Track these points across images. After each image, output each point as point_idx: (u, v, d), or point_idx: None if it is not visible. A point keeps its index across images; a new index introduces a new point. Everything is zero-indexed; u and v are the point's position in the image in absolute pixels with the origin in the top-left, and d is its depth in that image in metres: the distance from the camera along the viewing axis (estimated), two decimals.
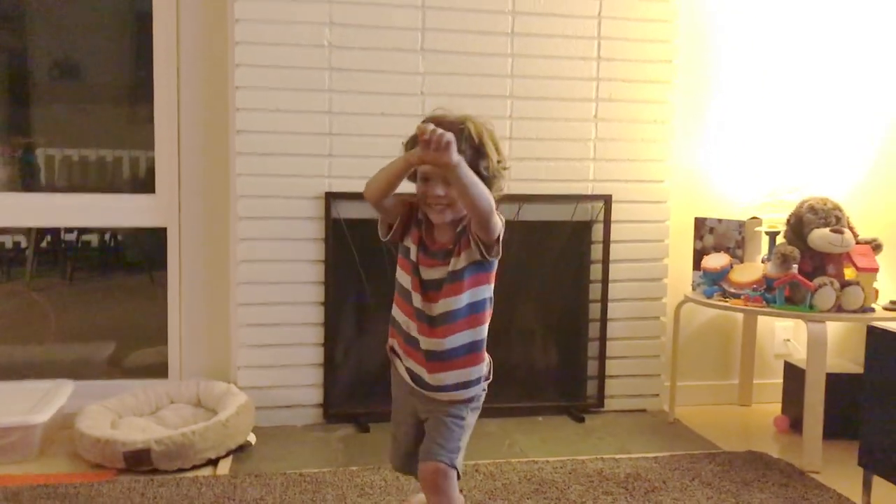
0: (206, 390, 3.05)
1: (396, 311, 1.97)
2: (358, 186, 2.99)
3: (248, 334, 3.07)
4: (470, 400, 1.96)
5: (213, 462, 2.69)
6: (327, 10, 3.02)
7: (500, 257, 1.87)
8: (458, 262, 1.85)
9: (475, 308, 1.89)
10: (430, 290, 1.88)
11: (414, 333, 1.91)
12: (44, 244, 5.40)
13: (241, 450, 2.81)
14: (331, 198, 3.05)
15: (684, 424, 3.23)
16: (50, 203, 3.54)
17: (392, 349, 2.04)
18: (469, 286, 1.86)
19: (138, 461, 2.58)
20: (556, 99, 3.20)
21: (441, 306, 1.86)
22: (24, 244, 5.07)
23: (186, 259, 3.25)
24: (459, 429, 1.93)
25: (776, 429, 3.23)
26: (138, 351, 3.64)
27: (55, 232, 5.34)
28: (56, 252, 5.56)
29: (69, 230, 5.53)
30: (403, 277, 1.94)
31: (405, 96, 3.08)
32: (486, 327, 1.93)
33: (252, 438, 2.87)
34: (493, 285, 1.92)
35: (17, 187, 5.57)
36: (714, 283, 3.11)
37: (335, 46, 3.03)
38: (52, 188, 5.92)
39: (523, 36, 3.16)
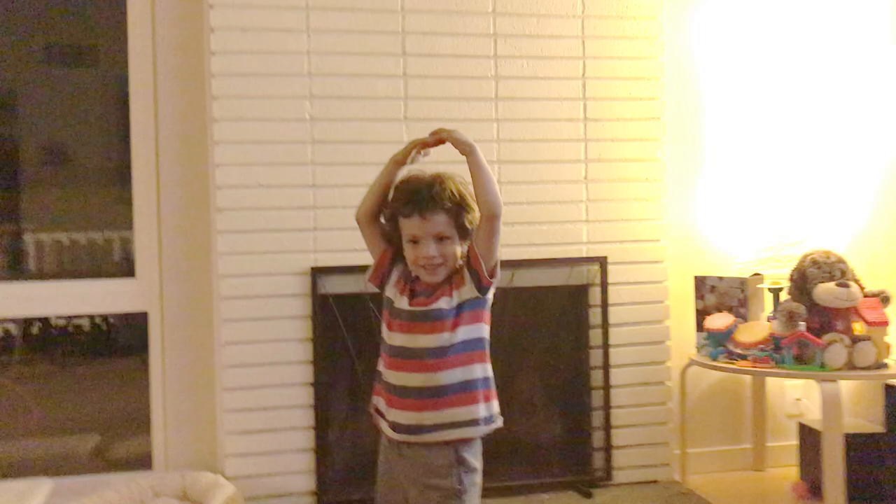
0: (193, 482, 2.89)
1: (383, 367, 1.89)
2: (345, 260, 2.96)
3: (234, 420, 2.93)
4: (459, 454, 1.81)
5: None
6: (307, 84, 2.97)
7: (496, 283, 1.84)
8: (451, 301, 1.81)
9: (468, 346, 1.82)
10: (417, 323, 1.82)
11: (401, 378, 1.82)
12: (34, 330, 5.28)
13: None
14: (317, 273, 2.95)
15: (699, 495, 3.07)
16: (31, 292, 3.43)
17: (376, 409, 1.91)
18: (462, 323, 1.82)
19: None
20: (544, 162, 3.14)
21: (430, 341, 1.79)
22: (13, 332, 4.96)
23: (169, 343, 3.13)
24: None
25: (795, 496, 3.07)
26: (123, 441, 3.49)
27: (45, 318, 5.23)
28: (46, 338, 5.45)
29: (59, 315, 5.42)
30: (387, 332, 1.88)
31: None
32: (481, 367, 1.84)
33: None
34: (488, 326, 1.87)
35: (4, 274, 5.49)
36: (719, 344, 3.00)
37: (316, 119, 2.97)
38: (40, 274, 5.84)
39: (508, 100, 3.11)
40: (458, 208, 1.82)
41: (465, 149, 1.81)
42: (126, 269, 3.48)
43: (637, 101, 3.21)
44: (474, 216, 1.85)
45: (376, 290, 1.92)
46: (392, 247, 1.89)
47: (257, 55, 2.93)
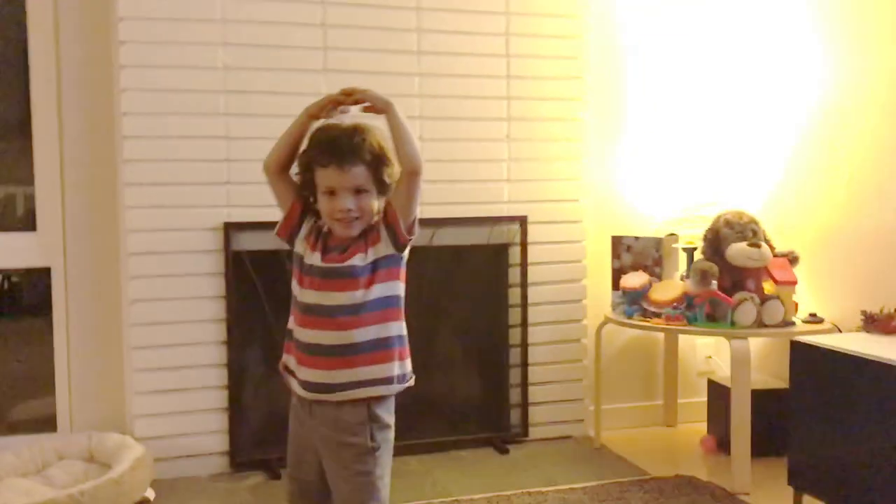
0: (99, 443, 2.79)
1: (293, 324, 1.81)
2: (259, 215, 2.87)
3: (143, 380, 2.83)
4: (372, 411, 1.77)
5: None
6: (220, 30, 2.84)
7: (413, 239, 1.79)
8: (366, 258, 1.75)
9: (383, 304, 1.76)
10: (329, 280, 1.75)
11: (312, 336, 1.75)
12: None
13: None
14: (230, 228, 2.86)
15: (611, 450, 3.14)
16: None
17: (286, 367, 1.85)
18: (377, 281, 1.76)
19: None
20: (467, 119, 3.10)
21: (342, 298, 1.73)
22: None
23: (74, 301, 3.00)
24: (370, 483, 1.75)
25: (703, 450, 3.17)
26: (24, 402, 3.34)
27: None
28: None
29: None
30: (298, 289, 1.80)
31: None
32: (396, 325, 1.79)
33: (151, 494, 2.63)
34: (403, 284, 1.82)
35: None
36: (634, 303, 3.04)
37: (230, 68, 2.85)
38: None
39: (430, 54, 3.04)
40: (377, 161, 1.75)
41: (382, 106, 1.76)
42: (29, 224, 3.30)
43: (559, 59, 3.19)
44: (394, 170, 1.78)
45: (285, 244, 1.85)
46: (301, 199, 1.82)
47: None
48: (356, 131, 1.75)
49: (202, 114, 2.84)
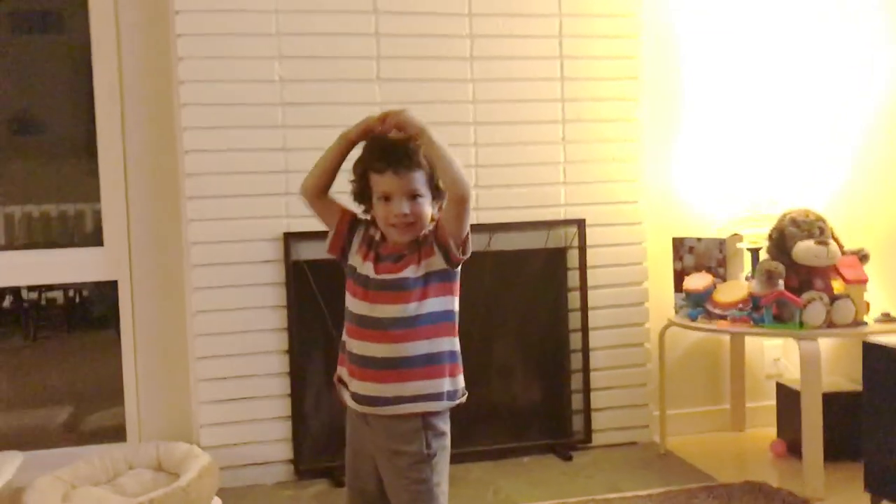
0: (167, 453, 2.84)
1: (346, 336, 1.81)
2: (318, 225, 2.86)
3: (208, 389, 2.88)
4: (426, 420, 1.75)
5: None
6: (276, 43, 2.88)
7: (466, 258, 1.76)
8: (418, 270, 1.74)
9: (435, 318, 1.75)
10: (382, 292, 1.75)
11: (364, 348, 1.75)
12: (6, 304, 5.19)
13: None
14: (290, 238, 2.89)
15: (677, 455, 3.07)
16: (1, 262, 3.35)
17: (340, 379, 1.86)
18: (429, 295, 1.74)
19: None
20: (521, 123, 3.08)
21: (395, 311, 1.73)
22: None
23: (140, 312, 3.07)
24: (428, 491, 1.74)
25: (773, 454, 3.08)
26: (95, 413, 3.43)
27: (16, 291, 5.14)
28: (18, 312, 5.36)
29: (32, 288, 5.34)
30: (351, 300, 1.80)
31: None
32: (448, 340, 1.77)
33: (217, 502, 2.67)
34: (457, 298, 1.80)
35: None
36: (697, 305, 2.98)
37: (286, 80, 2.89)
38: (11, 245, 5.73)
39: (483, 59, 3.04)
40: (432, 167, 1.74)
41: (414, 131, 1.71)
42: (97, 240, 3.40)
43: (614, 59, 3.15)
44: None
45: (338, 260, 1.85)
46: (348, 215, 1.82)
47: (224, 13, 2.84)
48: (411, 138, 1.75)
49: (260, 126, 2.88)
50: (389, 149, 1.72)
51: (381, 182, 1.73)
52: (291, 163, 2.90)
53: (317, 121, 2.89)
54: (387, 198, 1.72)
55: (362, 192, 1.78)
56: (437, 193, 1.76)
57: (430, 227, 1.76)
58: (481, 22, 3.03)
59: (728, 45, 3.35)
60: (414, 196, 1.72)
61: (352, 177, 1.79)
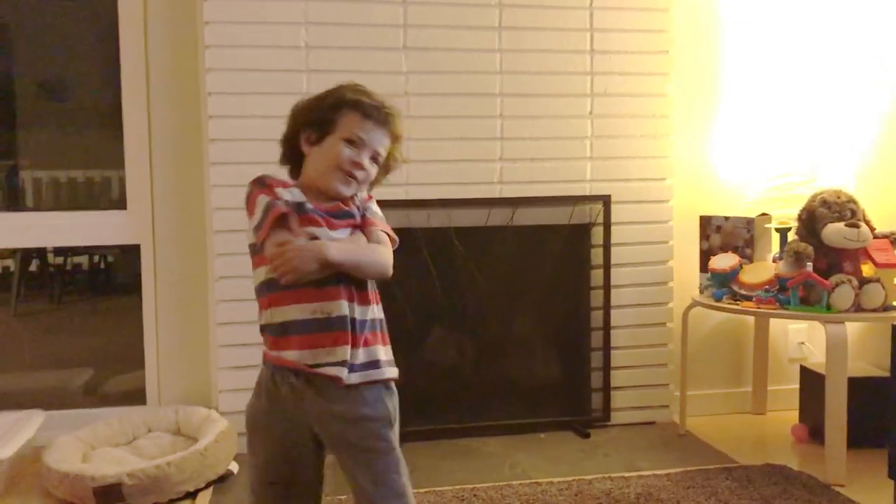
0: (186, 417, 2.87)
1: (291, 311, 1.58)
2: None
3: (228, 355, 2.88)
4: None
5: (192, 495, 2.50)
6: (302, 8, 2.85)
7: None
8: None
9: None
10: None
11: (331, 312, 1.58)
12: (32, 268, 5.25)
13: (222, 480, 2.62)
14: None
15: (696, 436, 3.04)
16: (25, 222, 3.37)
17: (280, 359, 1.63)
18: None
19: (109, 497, 2.39)
20: (549, 95, 3.03)
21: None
22: (12, 268, 4.92)
23: (162, 277, 3.08)
24: (392, 454, 1.66)
25: (794, 438, 3.04)
26: (116, 377, 3.46)
27: (43, 254, 5.20)
28: (44, 275, 5.42)
29: (58, 252, 5.40)
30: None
31: (388, 97, 2.90)
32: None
33: (234, 467, 2.69)
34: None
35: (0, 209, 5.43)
36: (723, 285, 2.93)
37: (312, 47, 2.86)
38: (38, 210, 5.78)
39: (512, 30, 2.99)
40: (395, 142, 1.69)
41: (318, 266, 1.54)
42: (122, 206, 3.41)
43: (646, 33, 3.09)
44: (399, 157, 1.72)
45: None
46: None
47: None
48: (397, 112, 1.70)
49: (285, 93, 2.83)
50: (382, 103, 1.67)
51: (360, 126, 1.62)
52: None
53: None
54: (353, 142, 1.62)
55: (322, 122, 1.64)
56: (384, 169, 1.71)
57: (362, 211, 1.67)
58: None
59: (761, 21, 3.27)
60: (375, 158, 1.66)
61: (315, 99, 1.68)
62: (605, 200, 3.08)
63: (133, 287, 3.77)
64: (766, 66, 3.27)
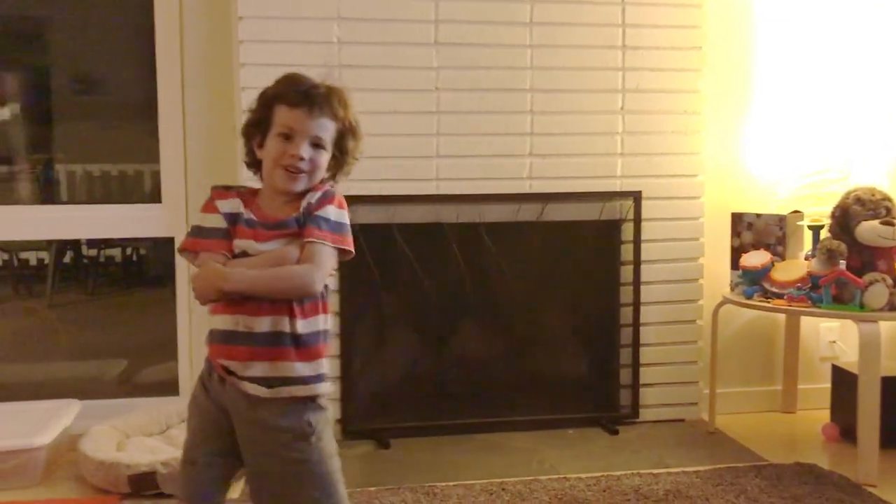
0: None
1: (218, 320, 1.63)
2: (372, 189, 2.91)
3: None
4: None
5: None
6: (335, 4, 2.87)
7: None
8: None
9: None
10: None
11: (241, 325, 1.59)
12: (66, 259, 5.34)
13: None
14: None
15: (726, 434, 3.03)
16: (62, 215, 3.43)
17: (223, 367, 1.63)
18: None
19: (144, 485, 2.44)
20: (579, 91, 3.03)
21: None
22: (46, 260, 5.02)
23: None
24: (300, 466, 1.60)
25: (825, 438, 3.02)
26: (149, 367, 3.52)
27: (77, 247, 5.29)
28: (78, 267, 5.52)
29: (91, 245, 5.49)
30: None
31: (418, 92, 2.93)
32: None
33: None
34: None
35: (36, 202, 5.53)
36: (754, 283, 2.91)
37: (344, 42, 2.88)
38: (72, 203, 5.87)
39: (543, 25, 2.99)
40: (346, 126, 1.64)
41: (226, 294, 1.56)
42: (156, 200, 3.46)
43: (678, 28, 3.07)
44: (358, 147, 1.67)
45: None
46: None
47: None
48: (337, 89, 1.65)
49: None
50: (311, 86, 1.61)
51: (289, 116, 1.59)
52: None
53: (374, 84, 2.89)
54: (288, 136, 1.59)
55: (259, 124, 1.63)
56: (338, 155, 1.65)
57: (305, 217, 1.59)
58: None
59: (794, 16, 3.23)
60: (317, 144, 1.60)
61: (252, 105, 1.66)
62: (636, 197, 3.07)
63: (164, 279, 3.83)
64: (800, 62, 3.24)
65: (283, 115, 1.60)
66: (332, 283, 1.71)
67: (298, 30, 2.86)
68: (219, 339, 1.62)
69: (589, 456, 2.81)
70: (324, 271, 1.59)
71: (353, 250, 1.66)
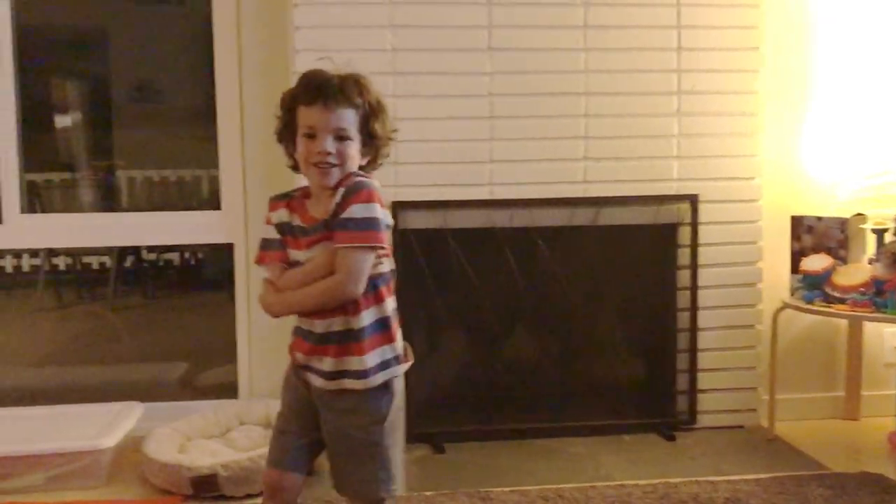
0: (276, 411, 2.94)
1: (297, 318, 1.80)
2: (426, 194, 2.93)
3: None
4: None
5: None
6: (388, 12, 2.90)
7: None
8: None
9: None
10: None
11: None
12: (127, 264, 5.49)
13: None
14: (398, 207, 2.92)
15: (786, 441, 2.97)
16: (124, 222, 3.52)
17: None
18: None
19: (205, 487, 2.49)
20: (634, 94, 3.00)
21: None
22: (108, 264, 5.17)
23: (255, 275, 3.16)
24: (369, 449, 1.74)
25: (891, 446, 2.94)
26: (209, 370, 3.59)
27: (137, 251, 5.43)
28: (138, 271, 5.67)
29: (151, 249, 5.63)
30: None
31: (472, 98, 2.94)
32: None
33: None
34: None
35: (97, 208, 5.69)
36: (815, 288, 2.86)
37: (398, 49, 2.91)
38: (133, 208, 6.05)
39: (597, 28, 2.97)
40: (368, 110, 1.67)
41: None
42: (212, 204, 3.53)
43: (734, 29, 3.03)
44: (385, 125, 1.72)
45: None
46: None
47: None
48: (351, 76, 1.67)
49: None
50: (325, 82, 1.64)
51: (308, 115, 1.64)
52: (403, 132, 2.89)
53: (427, 90, 2.91)
54: (311, 134, 1.64)
55: (286, 128, 1.70)
56: (368, 140, 1.68)
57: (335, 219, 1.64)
58: None
59: (854, 15, 3.16)
60: (341, 136, 1.64)
61: (278, 111, 1.72)
62: (693, 200, 3.04)
63: (222, 283, 3.91)
64: (859, 61, 3.16)
65: (303, 115, 1.66)
66: (389, 263, 1.75)
67: (354, 38, 2.89)
68: (293, 333, 1.79)
69: (645, 462, 2.79)
70: (356, 275, 1.64)
71: (383, 245, 1.69)
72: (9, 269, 5.81)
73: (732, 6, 3.02)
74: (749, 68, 3.04)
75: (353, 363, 1.69)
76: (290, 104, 1.68)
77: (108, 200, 5.96)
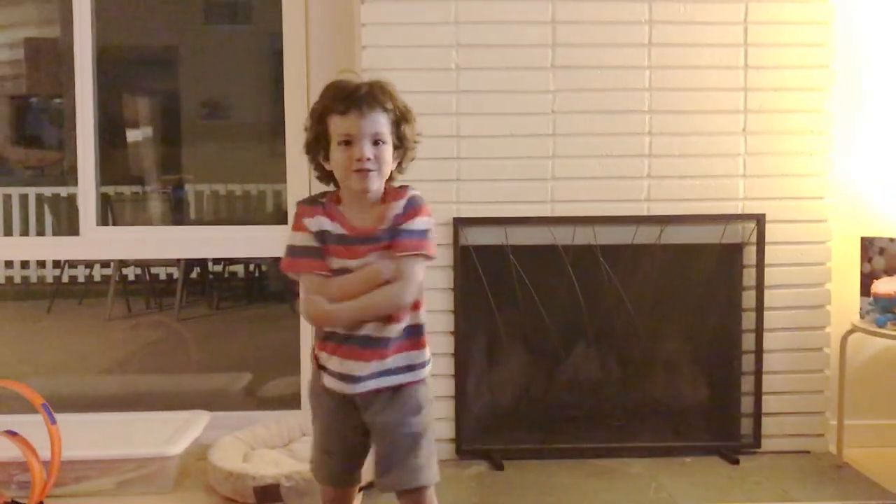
0: None
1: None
2: (487, 211, 2.95)
3: None
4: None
5: None
6: (454, 32, 2.93)
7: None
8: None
9: None
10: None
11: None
12: (193, 275, 5.65)
13: (371, 486, 2.71)
14: (459, 224, 2.94)
15: (855, 469, 2.89)
16: (187, 235, 3.62)
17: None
18: None
19: (268, 497, 2.53)
20: (699, 112, 2.98)
21: None
22: (175, 275, 5.32)
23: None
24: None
25: None
26: (273, 381, 3.65)
27: (203, 263, 5.58)
28: (204, 283, 5.82)
29: (217, 261, 5.78)
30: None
31: (535, 116, 2.95)
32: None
33: None
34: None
35: (166, 221, 5.87)
36: (887, 311, 2.79)
37: (462, 68, 2.94)
38: (199, 221, 6.21)
39: (662, 46, 2.96)
40: (398, 114, 1.72)
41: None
42: (278, 219, 3.61)
43: (804, 47, 2.98)
44: (413, 129, 1.76)
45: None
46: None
47: (406, 3, 2.92)
48: (377, 82, 1.71)
49: (435, 114, 2.94)
50: (355, 90, 1.67)
51: (343, 124, 1.67)
52: (463, 149, 2.95)
53: (490, 108, 2.94)
54: (348, 141, 1.66)
55: (317, 139, 1.72)
56: (400, 143, 1.73)
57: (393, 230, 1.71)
58: (661, 7, 2.95)
59: None
60: (377, 140, 1.67)
61: (307, 123, 1.74)
62: (759, 219, 2.99)
63: (285, 295, 3.99)
64: None
65: (337, 125, 1.68)
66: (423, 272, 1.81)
67: (419, 57, 2.93)
68: (326, 342, 1.83)
69: (707, 485, 2.74)
70: (414, 285, 1.72)
71: (436, 255, 1.78)
72: (81, 279, 6.02)
73: (802, 23, 2.97)
74: (818, 87, 2.99)
75: (415, 357, 1.78)
76: (322, 115, 1.71)
77: (177, 213, 6.15)
